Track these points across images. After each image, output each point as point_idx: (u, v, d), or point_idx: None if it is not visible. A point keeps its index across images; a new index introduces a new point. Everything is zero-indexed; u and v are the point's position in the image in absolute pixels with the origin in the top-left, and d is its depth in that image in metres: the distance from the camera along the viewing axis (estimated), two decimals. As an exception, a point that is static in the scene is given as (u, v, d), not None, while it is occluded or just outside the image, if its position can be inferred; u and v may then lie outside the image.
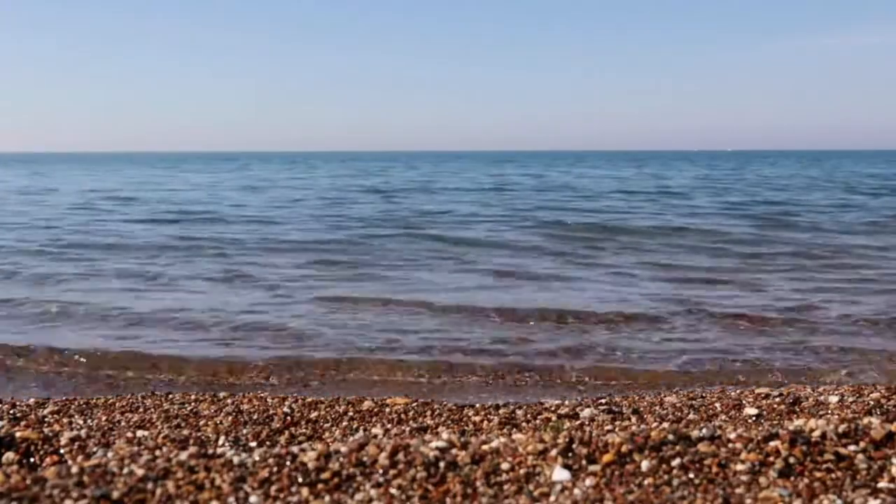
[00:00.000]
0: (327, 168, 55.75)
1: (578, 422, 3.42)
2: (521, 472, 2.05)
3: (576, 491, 1.95)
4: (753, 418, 3.46)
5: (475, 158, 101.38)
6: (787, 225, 13.93)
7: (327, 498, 1.91)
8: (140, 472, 1.96)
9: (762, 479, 1.99)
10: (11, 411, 3.63)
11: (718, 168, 49.61)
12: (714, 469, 2.04)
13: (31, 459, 2.67)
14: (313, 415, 3.58)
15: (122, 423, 3.41)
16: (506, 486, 1.99)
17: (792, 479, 2.00)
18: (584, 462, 2.09)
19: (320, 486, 1.96)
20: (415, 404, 3.79)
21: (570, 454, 2.12)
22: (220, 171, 48.92)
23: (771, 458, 2.08)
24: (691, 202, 19.55)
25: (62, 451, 2.77)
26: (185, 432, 3.18)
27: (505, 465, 2.08)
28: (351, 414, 3.61)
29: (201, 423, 3.45)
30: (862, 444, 2.16)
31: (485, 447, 2.17)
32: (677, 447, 2.14)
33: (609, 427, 3.29)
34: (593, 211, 16.93)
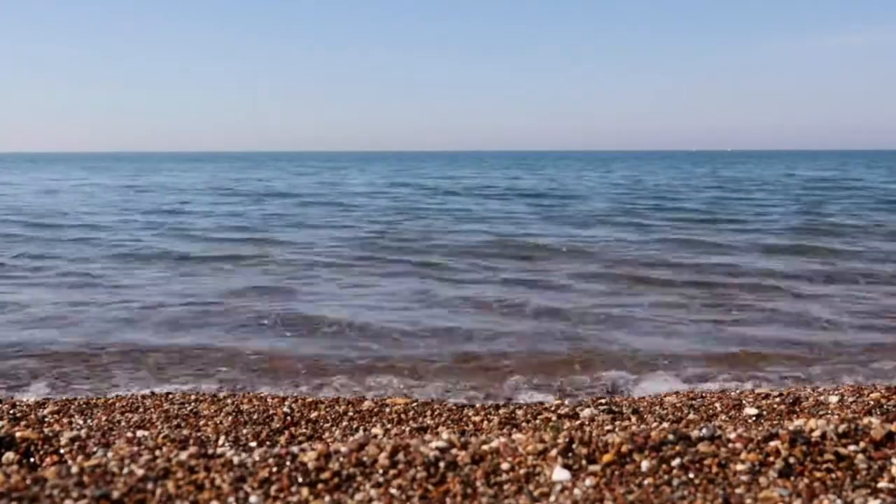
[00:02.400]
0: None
1: (578, 422, 3.42)
2: (521, 472, 2.05)
3: (576, 491, 1.95)
4: (753, 418, 3.46)
5: (459, 159, 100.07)
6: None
7: (327, 498, 1.91)
8: (140, 472, 1.96)
9: (762, 479, 1.99)
10: (11, 411, 3.63)
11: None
12: (714, 469, 2.04)
13: (31, 459, 2.67)
14: (313, 415, 3.58)
15: (122, 423, 3.41)
16: (506, 486, 1.99)
17: (792, 479, 2.00)
18: (584, 462, 2.09)
19: (320, 486, 1.96)
20: (415, 404, 3.79)
21: (570, 454, 2.12)
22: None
23: (771, 458, 2.08)
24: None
25: (62, 451, 2.77)
26: (185, 432, 3.18)
27: (505, 465, 2.08)
28: (351, 414, 3.62)
29: (201, 423, 3.45)
30: (862, 444, 2.16)
31: (485, 447, 2.17)
32: (677, 447, 2.13)
33: (609, 427, 3.29)
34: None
